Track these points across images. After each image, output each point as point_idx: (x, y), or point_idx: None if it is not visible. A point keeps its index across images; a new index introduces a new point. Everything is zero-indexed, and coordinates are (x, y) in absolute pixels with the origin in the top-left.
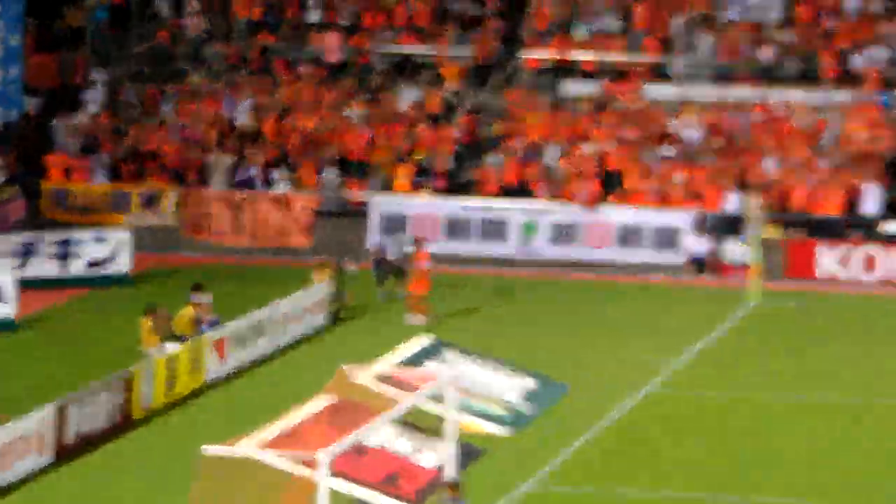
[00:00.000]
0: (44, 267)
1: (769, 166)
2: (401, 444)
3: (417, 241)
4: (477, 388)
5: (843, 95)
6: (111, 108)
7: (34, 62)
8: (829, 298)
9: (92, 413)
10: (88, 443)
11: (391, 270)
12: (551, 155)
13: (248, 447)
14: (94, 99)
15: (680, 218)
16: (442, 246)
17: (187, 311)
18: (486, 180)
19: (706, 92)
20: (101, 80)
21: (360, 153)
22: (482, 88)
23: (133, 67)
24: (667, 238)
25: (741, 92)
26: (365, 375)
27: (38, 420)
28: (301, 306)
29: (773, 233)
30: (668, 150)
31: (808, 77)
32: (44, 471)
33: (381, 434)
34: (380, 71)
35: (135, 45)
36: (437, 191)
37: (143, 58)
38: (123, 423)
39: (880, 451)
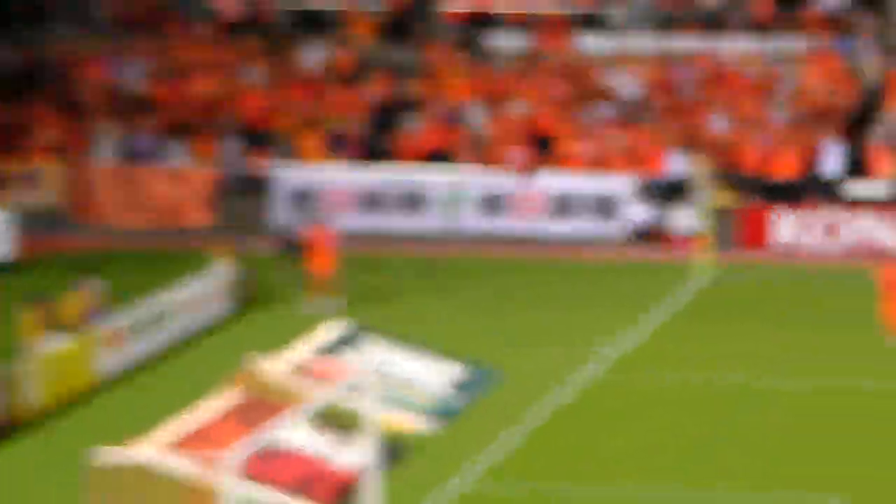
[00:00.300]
0: None
1: (718, 124)
2: (317, 442)
3: (318, 216)
4: (400, 378)
5: (797, 43)
6: None
7: None
8: (787, 271)
9: None
10: None
11: (301, 250)
12: (475, 117)
13: (145, 451)
14: None
15: (620, 184)
16: (357, 221)
17: (75, 300)
18: (404, 147)
19: (646, 43)
20: None
21: (264, 120)
22: (397, 45)
23: (5, 27)
24: (606, 207)
25: (685, 42)
26: (276, 367)
27: None
28: (203, 292)
29: (723, 198)
30: (605, 109)
31: (758, 24)
32: None
33: (295, 432)
34: (283, 28)
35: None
36: (351, 160)
37: (18, 16)
38: (4, 429)
39: (828, 437)
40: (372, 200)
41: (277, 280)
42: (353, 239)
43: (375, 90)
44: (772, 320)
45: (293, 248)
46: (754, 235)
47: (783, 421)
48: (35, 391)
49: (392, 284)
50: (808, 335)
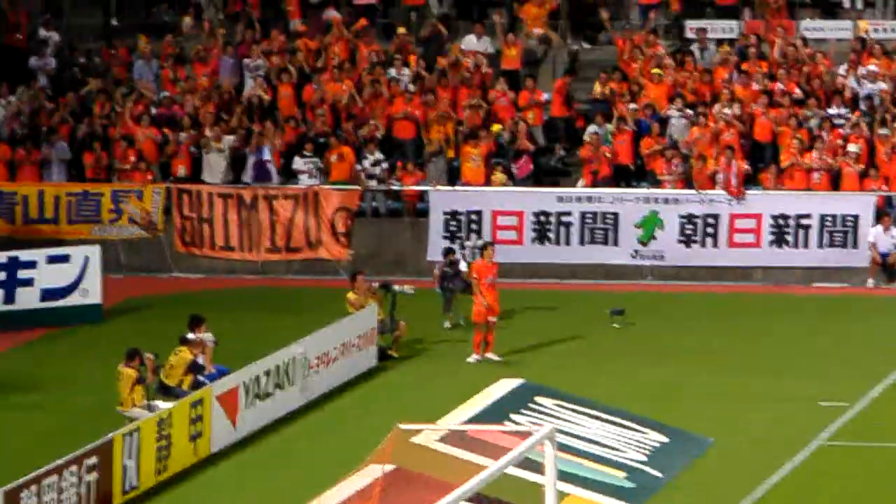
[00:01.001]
0: None
1: None
2: None
3: (484, 246)
4: (586, 448)
5: None
6: (65, 78)
7: None
8: None
9: (55, 500)
10: None
11: (463, 289)
12: (677, 124)
13: None
14: (42, 65)
15: (859, 204)
16: (529, 252)
17: (183, 356)
18: (595, 162)
19: (890, 30)
20: (52, 38)
21: (408, 128)
22: (574, 35)
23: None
24: (841, 233)
25: None
26: (429, 435)
27: None
28: (339, 342)
29: None
30: (840, 112)
31: None
32: None
33: None
34: (433, 14)
35: None
36: (522, 179)
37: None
38: None
39: None
40: (545, 227)
41: (432, 327)
42: (525, 273)
43: (552, 90)
44: None
45: (454, 287)
46: None
47: None
48: (136, 467)
49: (567, 329)
50: None
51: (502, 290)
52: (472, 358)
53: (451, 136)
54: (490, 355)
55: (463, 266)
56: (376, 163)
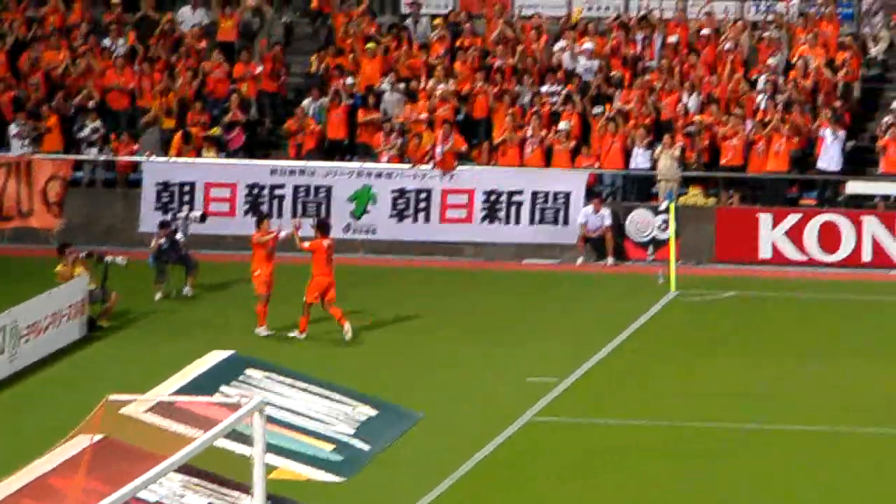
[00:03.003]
0: None
1: (691, 105)
2: (191, 500)
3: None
4: (295, 420)
5: (790, 6)
6: None
7: None
8: (773, 287)
9: None
10: None
11: (177, 261)
12: (391, 99)
13: None
14: None
15: (569, 181)
16: (242, 225)
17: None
18: (301, 134)
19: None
20: None
21: (122, 100)
22: (288, 8)
23: None
24: (551, 209)
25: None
26: (139, 406)
27: None
28: (49, 311)
29: (697, 198)
30: (550, 87)
31: None
32: None
33: (164, 487)
34: None
35: None
36: (233, 152)
37: None
38: None
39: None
40: (258, 200)
41: (142, 298)
42: (237, 244)
43: (265, 62)
44: (735, 352)
45: (167, 259)
46: (735, 244)
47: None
48: None
49: (278, 300)
50: (780, 370)
51: (214, 261)
52: (262, 329)
53: (171, 108)
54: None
55: (179, 237)
56: (95, 130)
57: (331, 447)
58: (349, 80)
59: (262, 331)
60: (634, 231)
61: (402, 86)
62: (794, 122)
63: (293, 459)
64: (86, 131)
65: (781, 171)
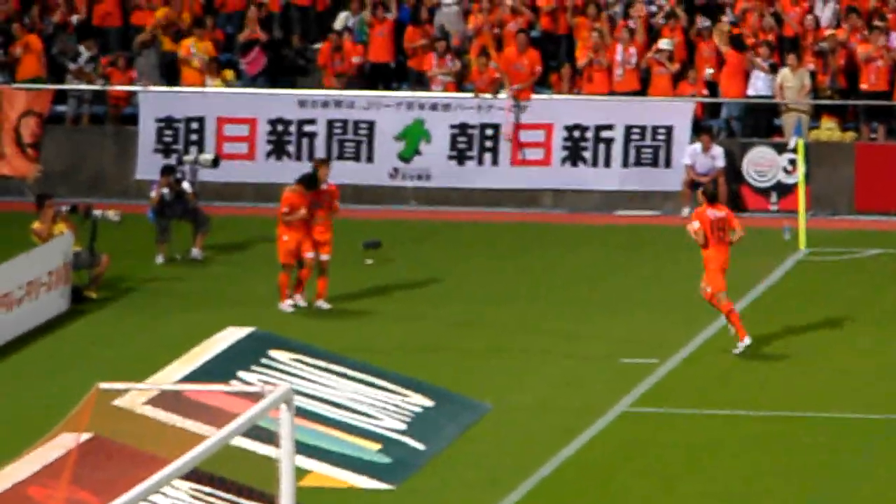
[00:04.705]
0: None
1: (824, 17)
2: None
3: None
4: (332, 414)
5: None
6: None
7: None
8: None
9: None
10: None
11: (183, 216)
12: (448, 11)
13: None
14: None
15: (672, 112)
16: (264, 170)
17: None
18: (331, 58)
19: None
20: None
21: (113, 15)
22: None
23: None
24: (650, 149)
25: None
26: (137, 396)
27: None
28: (24, 280)
29: (832, 133)
30: None
31: None
32: None
33: (168, 498)
34: None
35: None
36: (251, 75)
37: None
38: None
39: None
40: (283, 139)
41: (143, 262)
42: (258, 195)
43: None
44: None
45: (171, 214)
46: (882, 192)
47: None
48: None
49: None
50: None
51: (230, 215)
52: (286, 304)
53: (174, 21)
54: (321, 302)
55: (186, 186)
56: (91, 59)
57: (377, 446)
58: None
59: (285, 306)
60: (754, 174)
61: None
62: None
63: (330, 462)
64: (81, 60)
65: None
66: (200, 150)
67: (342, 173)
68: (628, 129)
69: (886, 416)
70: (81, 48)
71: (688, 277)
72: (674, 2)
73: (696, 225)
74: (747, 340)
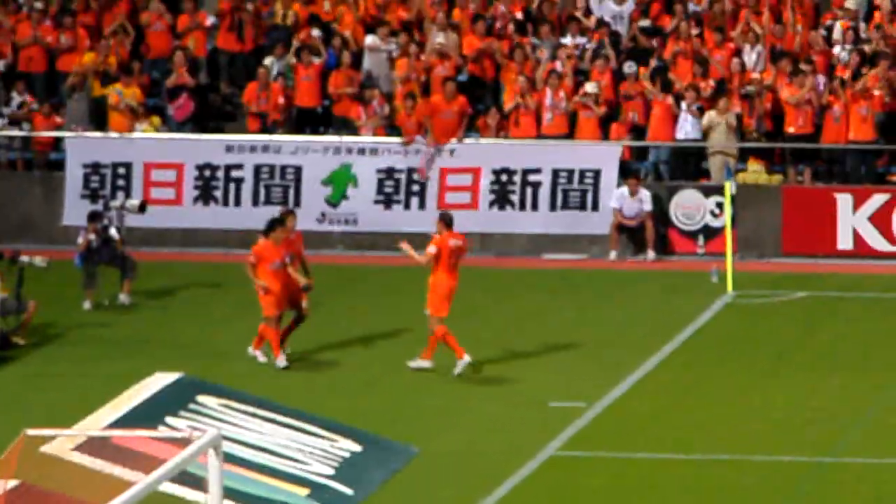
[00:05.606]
0: None
1: (751, 60)
2: None
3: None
4: (260, 459)
5: None
6: None
7: None
8: (853, 286)
9: None
10: None
11: (110, 261)
12: (376, 56)
13: None
14: None
15: (599, 156)
16: (191, 215)
17: None
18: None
19: None
20: None
21: (39, 59)
22: None
23: None
24: (577, 192)
25: None
26: (65, 443)
27: None
28: None
29: (759, 175)
30: (578, 41)
31: None
32: None
33: None
34: None
35: None
36: (179, 121)
37: None
38: None
39: None
40: (210, 184)
41: (69, 308)
42: (185, 240)
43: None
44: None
45: (99, 259)
46: (808, 233)
47: None
48: None
49: (233, 306)
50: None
51: (157, 261)
52: (281, 360)
53: (100, 66)
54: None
55: (113, 232)
56: (22, 105)
57: (305, 491)
58: (316, 32)
59: (280, 362)
60: (681, 217)
61: (391, 39)
62: (881, 78)
63: None
64: (13, 106)
65: (864, 141)
66: (127, 196)
67: (269, 218)
68: (556, 172)
69: (816, 459)
70: (14, 94)
71: (615, 321)
72: (604, 40)
73: (432, 250)
74: (467, 358)
